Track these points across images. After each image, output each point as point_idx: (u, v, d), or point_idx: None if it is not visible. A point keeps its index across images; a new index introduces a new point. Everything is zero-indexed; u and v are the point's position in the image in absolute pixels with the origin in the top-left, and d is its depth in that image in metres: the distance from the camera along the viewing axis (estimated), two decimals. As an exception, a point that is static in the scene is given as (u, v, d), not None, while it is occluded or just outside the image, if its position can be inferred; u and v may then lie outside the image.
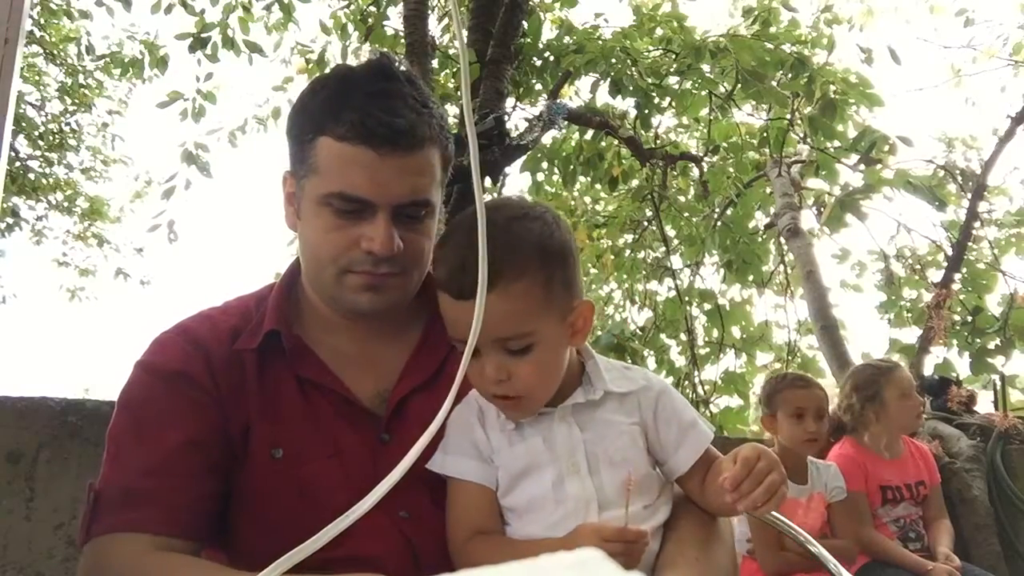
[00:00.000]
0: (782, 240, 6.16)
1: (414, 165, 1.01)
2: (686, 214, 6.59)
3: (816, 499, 2.52)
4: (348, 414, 1.06)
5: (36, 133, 9.39)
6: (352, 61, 5.90)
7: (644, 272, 6.74)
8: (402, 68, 1.07)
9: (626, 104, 5.69)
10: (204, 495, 1.00)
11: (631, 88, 4.90)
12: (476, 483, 1.00)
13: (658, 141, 6.27)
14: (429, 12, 4.82)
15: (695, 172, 6.56)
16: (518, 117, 5.17)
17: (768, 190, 6.31)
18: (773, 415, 2.57)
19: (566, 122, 5.20)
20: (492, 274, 0.88)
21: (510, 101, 5.09)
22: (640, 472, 1.00)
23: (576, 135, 6.06)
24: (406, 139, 0.99)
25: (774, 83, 4.99)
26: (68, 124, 9.75)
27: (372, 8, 5.69)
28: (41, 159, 9.69)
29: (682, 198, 6.72)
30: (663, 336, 6.54)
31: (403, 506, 0.99)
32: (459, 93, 5.27)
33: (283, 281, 1.15)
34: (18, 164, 9.11)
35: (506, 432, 1.01)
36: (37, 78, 9.15)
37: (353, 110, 0.99)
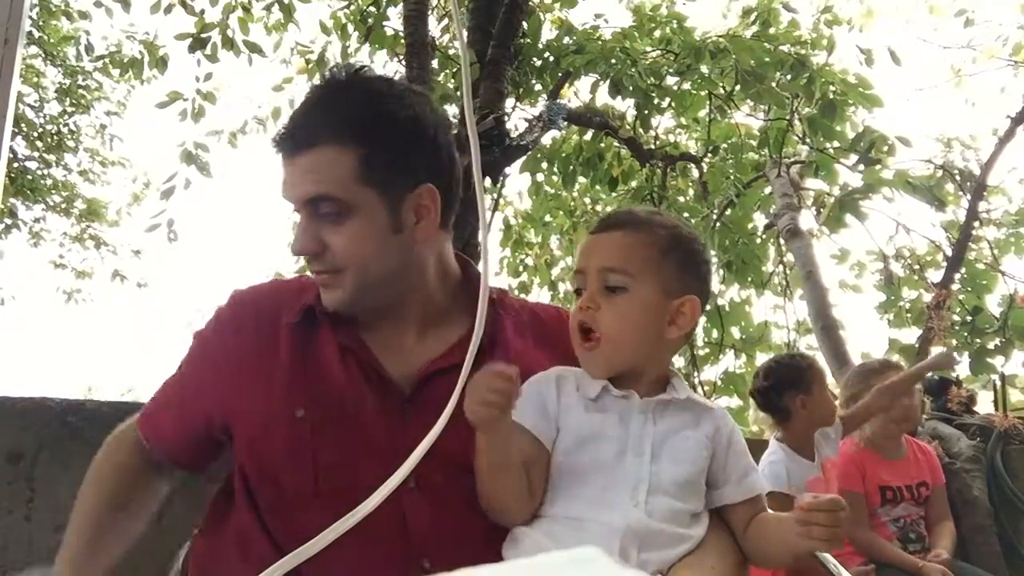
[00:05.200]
0: (781, 241, 6.16)
1: (305, 164, 1.06)
2: (685, 214, 6.59)
3: (829, 464, 2.53)
4: (377, 384, 1.09)
5: (35, 134, 9.39)
6: (351, 62, 5.90)
7: (644, 272, 6.73)
8: (347, 72, 1.13)
9: (626, 105, 5.70)
10: (192, 446, 1.18)
11: (631, 89, 4.91)
12: (530, 432, 1.04)
13: (658, 141, 6.28)
14: (429, 12, 4.82)
15: (695, 173, 6.57)
16: (518, 117, 5.17)
17: (768, 191, 6.31)
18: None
19: (566, 122, 5.21)
20: (631, 218, 1.10)
21: (510, 101, 5.09)
22: (695, 476, 1.06)
23: (576, 135, 6.06)
24: (293, 141, 1.07)
25: (774, 84, 4.99)
26: (67, 125, 9.74)
27: (372, 8, 5.69)
28: (39, 160, 9.68)
29: (682, 198, 6.72)
30: (663, 337, 6.53)
31: (411, 478, 1.00)
32: (459, 93, 5.27)
33: None
34: (16, 165, 9.11)
35: (586, 402, 1.06)
36: (36, 79, 9.14)
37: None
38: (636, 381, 1.07)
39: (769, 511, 1.10)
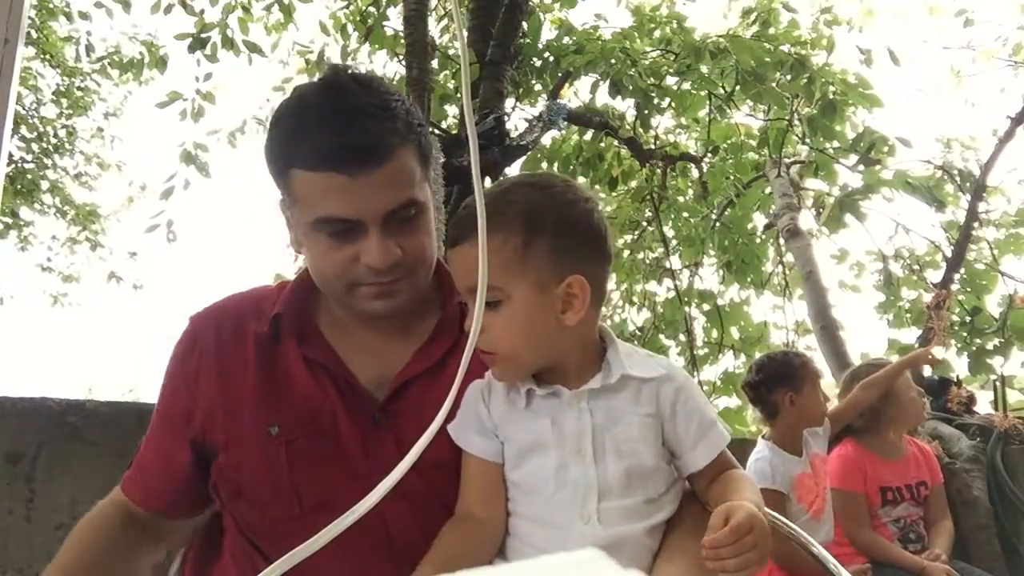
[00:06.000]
0: (781, 241, 6.16)
1: (388, 175, 1.01)
2: (685, 215, 6.60)
3: (818, 460, 2.53)
4: (348, 395, 1.09)
5: (32, 135, 9.37)
6: (351, 62, 5.90)
7: (643, 273, 6.75)
8: (355, 73, 1.08)
9: (626, 105, 5.70)
10: (187, 487, 1.14)
11: (631, 89, 4.91)
12: (478, 456, 1.01)
13: (657, 142, 6.28)
14: (429, 12, 4.82)
15: (694, 173, 6.57)
16: (518, 117, 5.18)
17: (767, 191, 6.31)
18: None
19: (566, 122, 5.21)
20: (473, 226, 0.94)
21: (510, 101, 5.09)
22: (646, 464, 1.00)
23: (576, 135, 6.06)
24: (374, 155, 1.00)
25: (774, 84, 4.99)
26: (65, 127, 9.73)
27: (372, 8, 5.69)
28: (35, 162, 9.66)
29: (681, 199, 6.72)
30: (662, 337, 6.54)
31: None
32: (459, 94, 5.27)
33: (306, 271, 1.19)
34: (13, 167, 9.09)
35: (516, 408, 1.02)
36: (33, 81, 9.12)
37: (314, 137, 1.00)
38: (560, 374, 1.01)
39: (732, 472, 1.04)
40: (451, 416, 1.02)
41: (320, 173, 0.99)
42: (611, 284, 6.74)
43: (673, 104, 5.66)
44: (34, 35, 8.55)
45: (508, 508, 1.00)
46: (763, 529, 0.91)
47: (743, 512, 0.90)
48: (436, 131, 4.27)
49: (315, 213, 1.02)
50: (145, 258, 11.76)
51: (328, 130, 1.00)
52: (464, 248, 0.98)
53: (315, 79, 1.14)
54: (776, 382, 2.53)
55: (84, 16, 7.18)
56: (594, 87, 5.36)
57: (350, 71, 1.08)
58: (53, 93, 9.49)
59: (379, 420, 1.07)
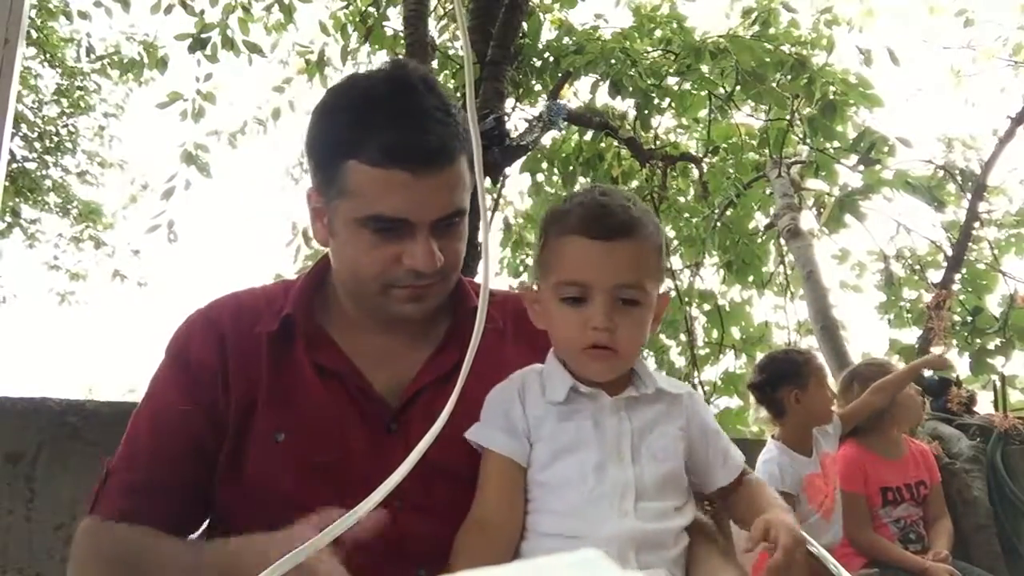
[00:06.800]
0: (782, 241, 6.16)
1: (450, 179, 1.01)
2: (686, 215, 6.60)
3: (828, 460, 2.53)
4: (360, 402, 1.07)
5: (34, 134, 9.38)
6: (351, 62, 5.90)
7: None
8: (419, 73, 1.05)
9: (626, 105, 5.70)
10: (199, 498, 1.07)
11: (631, 89, 4.91)
12: (504, 455, 1.02)
13: (658, 142, 6.27)
14: (429, 13, 4.82)
15: (695, 173, 6.57)
16: (518, 118, 5.17)
17: (768, 191, 6.31)
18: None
19: (566, 123, 5.21)
20: (634, 222, 1.01)
21: (510, 101, 5.09)
22: (676, 472, 1.04)
23: (576, 135, 6.06)
24: (440, 157, 0.99)
25: (774, 84, 4.99)
26: (65, 127, 9.73)
27: (372, 8, 5.69)
28: (37, 161, 9.66)
29: (682, 199, 6.72)
30: (663, 337, 6.54)
31: (398, 495, 1.00)
32: (459, 94, 5.27)
33: (313, 271, 1.17)
34: (15, 166, 9.10)
35: (555, 408, 1.03)
36: (33, 81, 9.13)
37: (381, 133, 0.98)
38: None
39: (748, 479, 1.11)
40: (458, 422, 0.99)
41: (384, 170, 0.98)
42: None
43: (673, 104, 5.66)
44: (34, 35, 8.55)
45: (528, 508, 1.01)
46: (803, 542, 0.97)
47: (785, 532, 0.95)
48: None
49: (369, 209, 1.00)
50: (148, 257, 11.77)
51: (396, 127, 0.99)
52: (629, 243, 1.00)
53: (376, 70, 1.10)
54: (780, 381, 2.53)
55: (84, 16, 7.19)
56: (594, 87, 5.36)
57: (412, 67, 1.06)
58: (53, 93, 9.50)
59: (392, 428, 1.06)
